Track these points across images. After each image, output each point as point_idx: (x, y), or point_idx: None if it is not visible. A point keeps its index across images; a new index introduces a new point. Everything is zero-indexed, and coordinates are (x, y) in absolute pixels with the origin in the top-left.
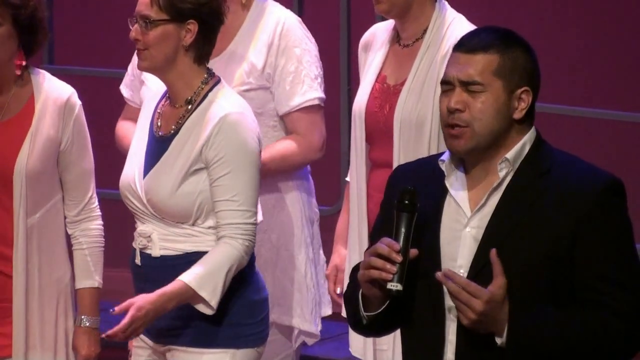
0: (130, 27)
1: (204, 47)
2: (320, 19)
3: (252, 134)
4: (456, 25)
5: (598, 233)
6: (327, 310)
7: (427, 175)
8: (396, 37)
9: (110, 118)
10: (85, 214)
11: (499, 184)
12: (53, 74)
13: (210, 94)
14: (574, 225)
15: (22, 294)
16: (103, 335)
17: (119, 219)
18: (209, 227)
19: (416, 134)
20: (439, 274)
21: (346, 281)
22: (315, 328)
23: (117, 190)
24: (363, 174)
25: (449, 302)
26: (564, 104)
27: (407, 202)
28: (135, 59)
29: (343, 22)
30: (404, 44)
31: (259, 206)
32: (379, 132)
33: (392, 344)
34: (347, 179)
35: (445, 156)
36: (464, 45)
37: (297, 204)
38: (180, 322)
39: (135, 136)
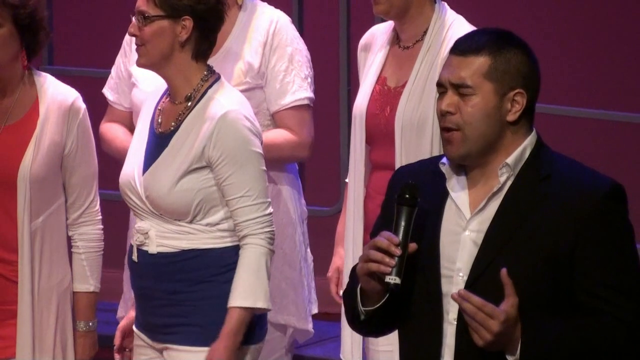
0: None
1: (202, 43)
2: (320, 19)
3: (252, 128)
4: (456, 27)
5: (599, 239)
6: (314, 309)
7: (429, 177)
8: (396, 39)
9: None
10: (85, 218)
11: (500, 189)
12: (52, 75)
13: (209, 91)
14: (574, 230)
15: (28, 298)
16: None
17: (117, 219)
18: (207, 224)
19: (417, 136)
20: (454, 295)
21: (346, 281)
22: (310, 326)
23: (116, 191)
24: (362, 176)
25: (447, 305)
26: (563, 104)
27: (407, 196)
28: (118, 61)
29: (342, 22)
30: (404, 46)
31: None
32: (380, 134)
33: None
34: (347, 180)
35: (446, 159)
36: (457, 48)
37: (290, 203)
38: (177, 320)
39: (136, 133)
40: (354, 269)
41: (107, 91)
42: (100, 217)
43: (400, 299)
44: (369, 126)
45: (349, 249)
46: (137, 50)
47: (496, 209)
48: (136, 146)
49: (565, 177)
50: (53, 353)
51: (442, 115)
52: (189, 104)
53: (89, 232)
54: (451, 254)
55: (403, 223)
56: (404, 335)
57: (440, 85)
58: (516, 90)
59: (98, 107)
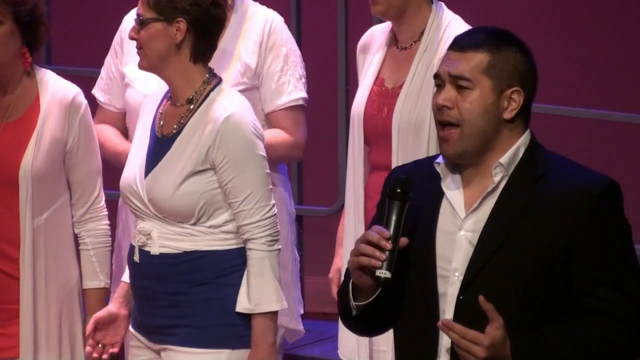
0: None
1: (199, 45)
2: (318, 20)
3: (255, 131)
4: (453, 27)
5: (595, 237)
6: (301, 309)
7: (424, 177)
8: (394, 40)
9: None
10: (91, 214)
11: (494, 189)
12: None
13: (211, 94)
14: (570, 229)
15: (30, 296)
16: None
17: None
18: (210, 227)
19: (414, 137)
20: (439, 324)
21: None
22: (301, 326)
23: (117, 190)
24: (360, 176)
25: (443, 305)
26: (563, 104)
27: (399, 190)
28: (108, 62)
29: (340, 23)
30: (402, 47)
31: None
32: (377, 135)
33: (391, 345)
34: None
35: (441, 158)
36: (457, 44)
37: (282, 204)
38: (177, 321)
39: (136, 137)
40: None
41: (97, 92)
42: (106, 212)
43: (393, 297)
44: (366, 127)
45: (348, 250)
46: (138, 54)
47: (491, 209)
48: (137, 150)
49: (560, 176)
50: (60, 352)
51: (438, 109)
52: (191, 106)
53: (96, 228)
54: (447, 254)
55: (394, 217)
56: (400, 336)
57: (437, 77)
58: (513, 88)
59: (96, 107)
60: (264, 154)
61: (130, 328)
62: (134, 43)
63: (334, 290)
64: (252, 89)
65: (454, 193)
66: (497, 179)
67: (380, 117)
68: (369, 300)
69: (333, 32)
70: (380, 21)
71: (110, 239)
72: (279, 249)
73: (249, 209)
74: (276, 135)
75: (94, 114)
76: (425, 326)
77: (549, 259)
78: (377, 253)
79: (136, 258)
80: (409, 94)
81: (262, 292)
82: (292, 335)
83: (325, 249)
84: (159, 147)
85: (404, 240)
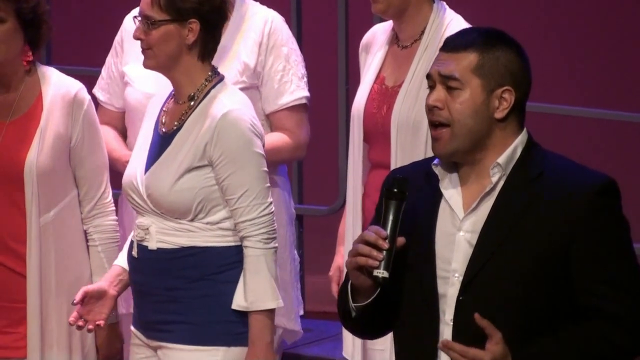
0: (134, 25)
1: (208, 44)
2: (318, 18)
3: (254, 128)
4: (454, 26)
5: (594, 235)
6: (301, 310)
7: (422, 178)
8: (395, 38)
9: None
10: (98, 210)
11: (492, 189)
12: None
13: (212, 91)
14: (569, 227)
15: (37, 294)
16: None
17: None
18: (208, 223)
19: (413, 136)
20: (439, 345)
21: None
22: (299, 327)
23: (118, 190)
24: (360, 175)
25: (443, 305)
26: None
27: (395, 190)
28: (109, 61)
29: (341, 21)
30: (403, 45)
31: None
32: (377, 133)
33: (388, 344)
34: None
35: (438, 160)
36: (447, 45)
37: (282, 203)
38: (173, 317)
39: (140, 134)
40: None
41: (98, 91)
42: (114, 208)
43: (392, 299)
44: (366, 125)
45: (348, 248)
46: (143, 53)
47: (489, 210)
48: (140, 147)
49: (558, 175)
50: (70, 350)
51: (429, 109)
52: (192, 103)
53: (104, 224)
54: (446, 255)
55: (391, 217)
56: (400, 336)
57: (429, 77)
58: (504, 88)
59: (97, 106)
60: (262, 152)
61: (131, 326)
62: (135, 43)
63: (334, 288)
64: (250, 88)
65: (452, 194)
66: (494, 179)
67: (380, 116)
68: (368, 301)
69: (333, 32)
70: (381, 20)
71: (118, 234)
72: (275, 247)
73: (244, 207)
74: (279, 138)
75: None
76: (425, 327)
77: (548, 258)
78: (375, 253)
79: (134, 253)
80: (408, 93)
81: (257, 289)
82: (290, 336)
83: (326, 248)
84: (160, 143)
85: (401, 240)
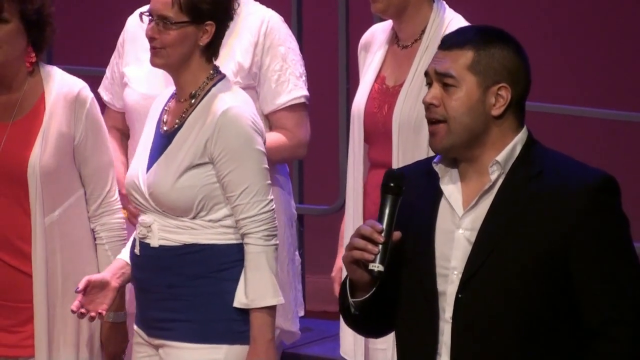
0: (141, 22)
1: (216, 44)
2: (319, 17)
3: (255, 126)
4: (454, 26)
5: (593, 232)
6: (301, 311)
7: (423, 177)
8: (394, 38)
9: None
10: (104, 208)
11: (491, 187)
12: None
13: (213, 89)
14: (568, 225)
15: (43, 293)
16: None
17: None
18: (210, 221)
19: (415, 135)
20: None
21: None
22: (296, 327)
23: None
24: (360, 174)
25: (443, 303)
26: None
27: (392, 184)
28: (112, 62)
29: (341, 21)
30: (403, 45)
31: None
32: (378, 133)
33: (390, 343)
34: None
35: (439, 158)
36: (444, 43)
37: (281, 204)
38: (174, 315)
39: (143, 134)
40: None
41: (102, 91)
42: (120, 206)
43: (392, 295)
44: (367, 125)
45: None
46: (153, 50)
47: (488, 207)
48: (142, 147)
49: (557, 172)
50: (77, 349)
51: (426, 107)
52: (193, 101)
53: (110, 222)
54: (446, 253)
55: (387, 211)
56: (401, 334)
57: (426, 75)
58: (500, 85)
59: (103, 105)
60: (263, 149)
61: (134, 325)
62: (135, 44)
63: (336, 289)
64: (246, 88)
65: (452, 192)
66: (493, 177)
67: (380, 115)
68: (366, 296)
69: (334, 31)
70: (382, 20)
71: (125, 232)
72: (276, 244)
73: (245, 203)
74: (278, 138)
75: (103, 112)
76: (425, 325)
77: (548, 255)
78: (370, 246)
79: (137, 251)
80: (409, 93)
81: (258, 287)
82: (288, 337)
83: (326, 248)
84: (162, 142)
85: (397, 234)
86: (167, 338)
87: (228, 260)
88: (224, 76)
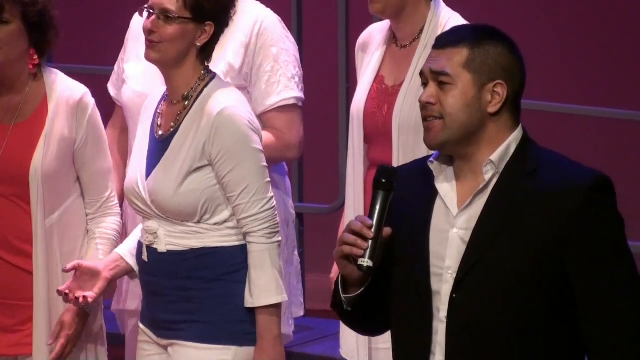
0: (140, 16)
1: (212, 46)
2: (319, 18)
3: (251, 124)
4: (452, 25)
5: (588, 232)
6: (299, 312)
7: (419, 176)
8: (393, 38)
9: (109, 116)
10: (103, 212)
11: (485, 186)
12: None
13: (206, 90)
14: (562, 224)
15: (44, 294)
16: None
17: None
18: (215, 224)
19: (415, 135)
20: None
21: None
22: (289, 329)
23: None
24: (360, 174)
25: (437, 303)
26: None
27: (383, 180)
28: (119, 57)
29: (341, 21)
30: (401, 45)
31: None
32: (378, 133)
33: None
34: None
35: (434, 157)
36: (438, 42)
37: (278, 205)
38: (184, 316)
39: (137, 138)
40: None
41: (110, 86)
42: (119, 210)
43: (385, 293)
44: (366, 125)
45: None
46: (150, 45)
47: (482, 207)
48: (138, 152)
49: (551, 171)
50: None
51: (423, 106)
52: (186, 103)
53: (106, 221)
54: (440, 252)
55: (378, 207)
56: (396, 334)
57: (422, 75)
58: (496, 82)
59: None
60: (260, 147)
61: (139, 323)
62: (136, 42)
63: None
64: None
65: (447, 191)
66: (487, 176)
67: (380, 115)
68: (357, 293)
69: (334, 31)
70: (381, 19)
71: (118, 233)
72: (279, 241)
73: (245, 203)
74: (266, 137)
75: (101, 112)
76: (420, 324)
77: (542, 255)
78: (359, 241)
79: (144, 256)
80: (409, 92)
81: (262, 285)
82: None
83: (326, 247)
84: (158, 147)
85: (387, 230)
86: (177, 338)
87: (236, 262)
88: (214, 75)
